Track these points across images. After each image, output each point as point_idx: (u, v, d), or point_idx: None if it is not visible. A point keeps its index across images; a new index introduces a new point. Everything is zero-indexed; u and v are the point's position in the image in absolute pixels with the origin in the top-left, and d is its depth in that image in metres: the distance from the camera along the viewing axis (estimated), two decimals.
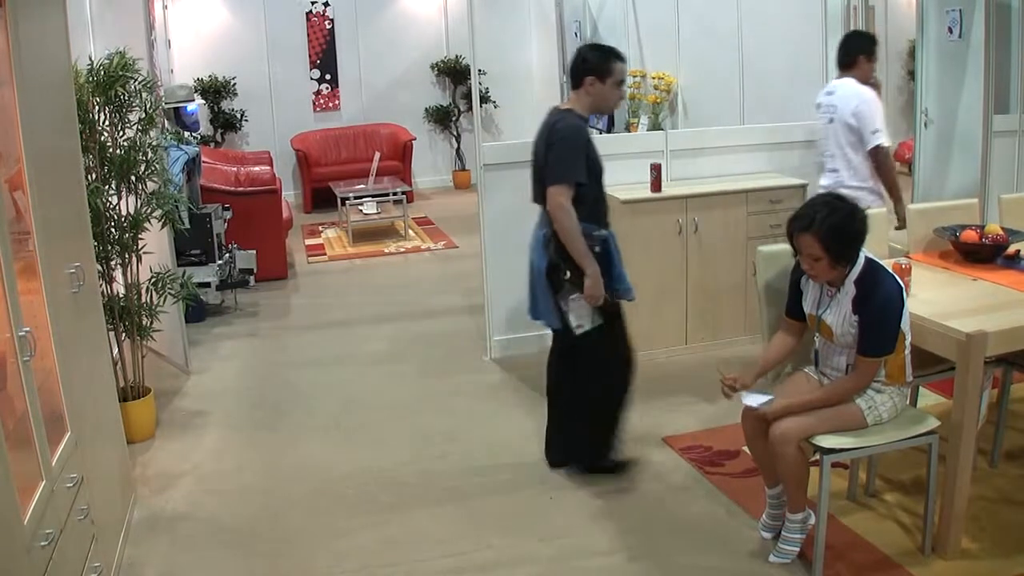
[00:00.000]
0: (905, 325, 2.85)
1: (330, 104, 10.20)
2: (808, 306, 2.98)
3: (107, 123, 3.99)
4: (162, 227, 4.32)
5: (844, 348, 2.91)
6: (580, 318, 3.45)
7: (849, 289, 2.84)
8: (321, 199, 9.57)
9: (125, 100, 3.99)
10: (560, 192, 3.36)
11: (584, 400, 3.66)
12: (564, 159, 3.39)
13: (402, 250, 7.87)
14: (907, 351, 2.89)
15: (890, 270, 2.94)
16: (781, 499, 3.11)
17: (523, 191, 5.00)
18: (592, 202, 3.47)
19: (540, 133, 3.55)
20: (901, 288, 2.85)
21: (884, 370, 2.89)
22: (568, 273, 3.42)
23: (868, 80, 4.27)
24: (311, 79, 10.09)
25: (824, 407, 2.87)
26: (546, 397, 3.89)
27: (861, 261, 2.85)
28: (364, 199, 8.37)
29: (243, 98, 9.76)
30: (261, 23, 9.80)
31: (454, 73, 10.36)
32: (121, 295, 4.13)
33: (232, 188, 6.87)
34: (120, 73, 3.89)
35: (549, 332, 5.33)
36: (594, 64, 3.44)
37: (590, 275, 3.37)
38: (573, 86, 3.52)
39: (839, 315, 2.86)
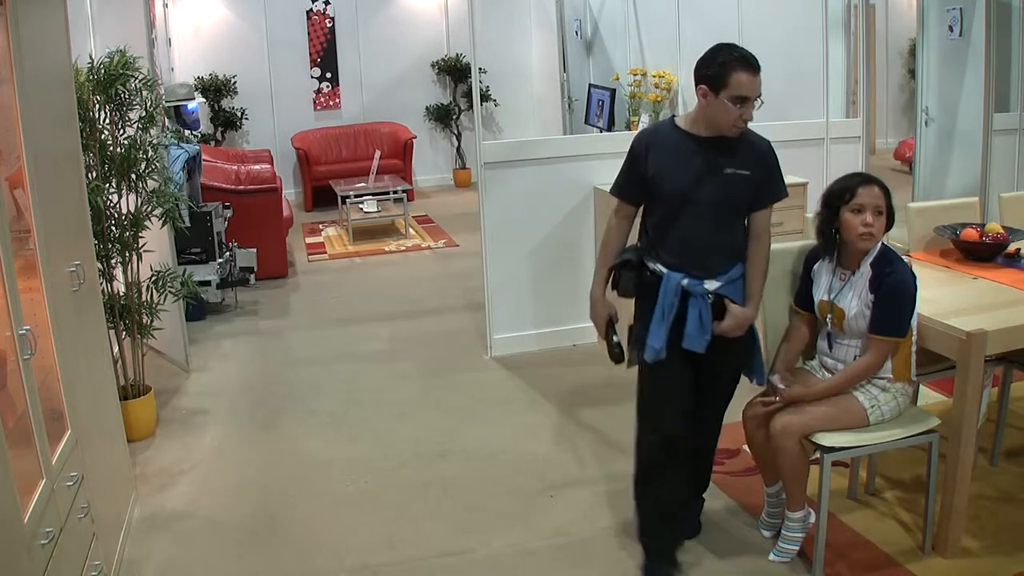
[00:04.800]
0: (914, 320, 2.88)
1: (330, 103, 10.19)
2: (820, 293, 2.99)
3: (108, 121, 3.99)
4: (162, 225, 4.32)
5: (852, 337, 2.92)
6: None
7: (865, 271, 2.87)
8: (321, 197, 9.56)
9: (125, 98, 3.99)
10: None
11: None
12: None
13: (402, 248, 7.87)
14: (913, 347, 2.90)
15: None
16: (779, 497, 3.12)
17: (524, 190, 5.05)
18: (647, 227, 2.94)
19: None
20: (915, 277, 2.87)
21: (891, 364, 2.90)
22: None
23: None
24: (311, 77, 10.08)
25: (839, 392, 2.89)
26: None
27: (877, 246, 2.89)
28: (364, 197, 8.36)
29: (243, 96, 9.75)
30: (261, 22, 9.79)
31: (455, 71, 10.36)
32: (121, 293, 4.13)
33: (233, 186, 6.86)
34: (121, 71, 3.89)
35: (548, 331, 5.40)
36: (707, 71, 2.73)
37: (590, 296, 3.02)
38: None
39: (854, 297, 2.87)
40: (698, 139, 2.80)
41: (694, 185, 2.77)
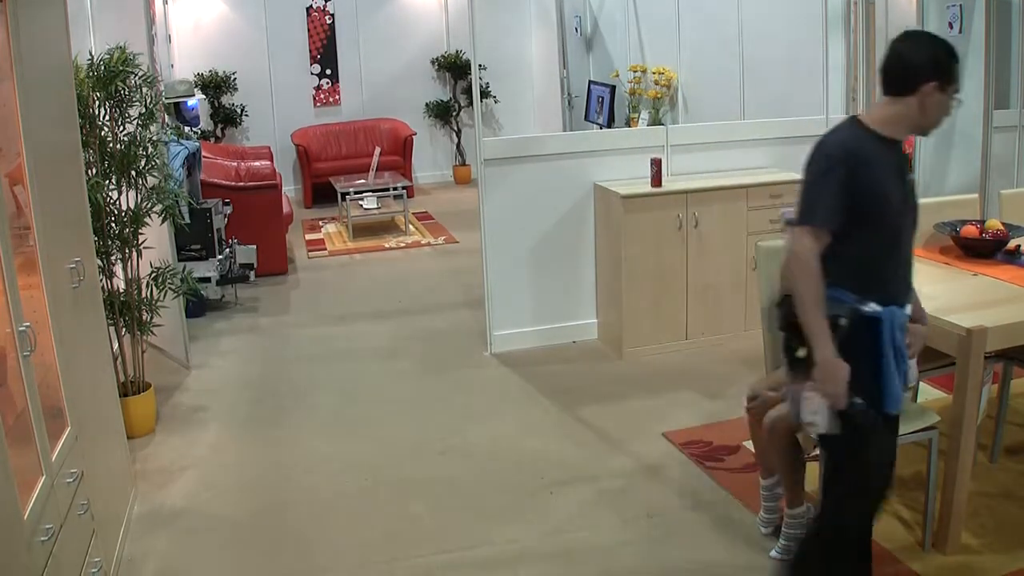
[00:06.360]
0: None
1: (330, 99, 10.18)
2: None
3: (107, 118, 3.99)
4: (162, 222, 4.32)
5: None
6: (813, 413, 2.44)
7: None
8: (321, 194, 9.56)
9: (125, 95, 3.99)
10: (799, 235, 2.38)
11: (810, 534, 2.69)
12: (807, 192, 2.40)
13: (402, 245, 7.87)
14: None
15: None
16: (774, 491, 3.13)
17: (523, 186, 5.05)
18: (855, 261, 2.40)
19: None
20: None
21: None
22: (800, 350, 2.45)
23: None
24: (311, 74, 10.08)
25: None
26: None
27: None
28: (364, 194, 8.36)
29: (243, 93, 9.75)
30: (261, 18, 9.79)
31: (454, 68, 10.35)
32: (121, 290, 4.13)
33: (232, 183, 6.86)
34: (120, 68, 3.89)
35: (551, 328, 5.40)
36: (938, 66, 2.33)
37: (818, 361, 2.37)
38: (894, 91, 2.38)
39: None
40: (892, 143, 2.41)
41: (906, 199, 2.42)
